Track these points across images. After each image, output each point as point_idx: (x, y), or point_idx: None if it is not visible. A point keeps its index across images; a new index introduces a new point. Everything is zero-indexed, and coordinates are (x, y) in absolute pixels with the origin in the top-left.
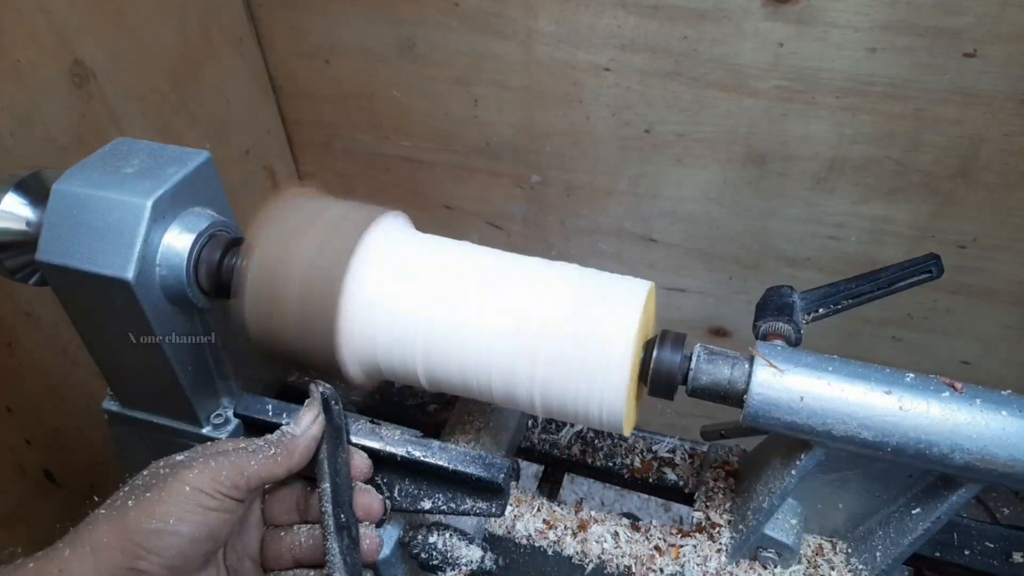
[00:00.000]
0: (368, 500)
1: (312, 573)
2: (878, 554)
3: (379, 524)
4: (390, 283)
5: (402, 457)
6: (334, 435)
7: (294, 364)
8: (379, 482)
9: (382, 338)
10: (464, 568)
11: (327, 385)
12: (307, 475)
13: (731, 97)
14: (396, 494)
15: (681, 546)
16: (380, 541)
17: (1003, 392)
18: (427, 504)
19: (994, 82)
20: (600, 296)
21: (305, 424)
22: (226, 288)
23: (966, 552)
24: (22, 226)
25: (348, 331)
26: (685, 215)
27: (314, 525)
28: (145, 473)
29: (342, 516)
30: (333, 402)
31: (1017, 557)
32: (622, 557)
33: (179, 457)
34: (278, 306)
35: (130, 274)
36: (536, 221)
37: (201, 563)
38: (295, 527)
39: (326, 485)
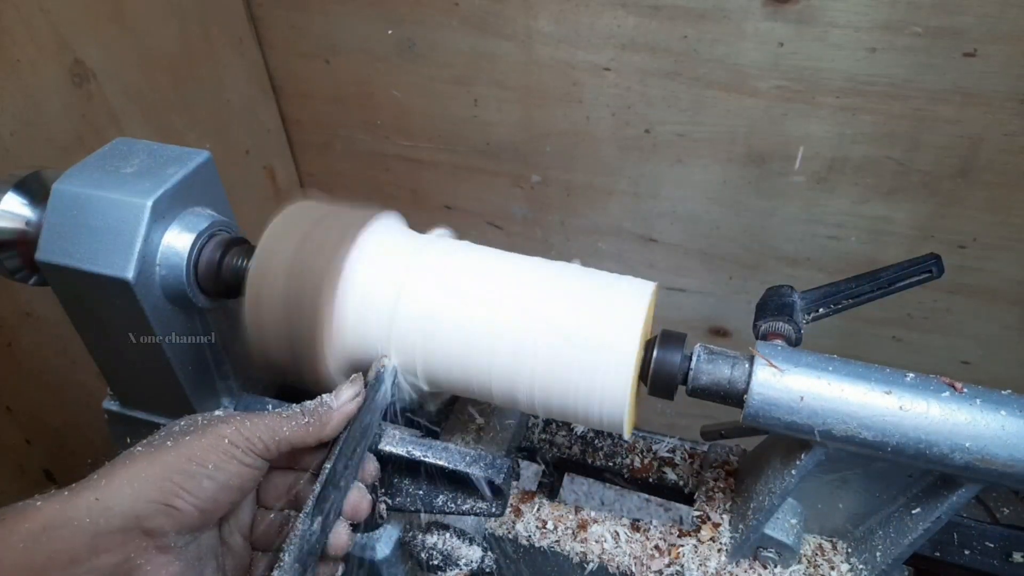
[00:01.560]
0: (358, 498)
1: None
2: (878, 554)
3: (376, 526)
4: (391, 282)
5: (402, 457)
6: (369, 416)
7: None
8: (375, 484)
9: (382, 338)
10: (464, 568)
11: (393, 362)
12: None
13: (731, 97)
14: (396, 494)
15: (681, 546)
16: (350, 541)
17: (1003, 392)
18: (427, 504)
19: (994, 82)
20: (603, 297)
21: (344, 398)
22: (226, 288)
23: (966, 552)
24: (22, 226)
25: (341, 332)
26: (685, 215)
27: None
28: (182, 422)
29: (325, 499)
30: (389, 380)
31: (1017, 557)
32: (622, 557)
33: (217, 412)
34: (272, 311)
35: (130, 274)
36: (536, 221)
37: (226, 510)
38: (285, 512)
39: (329, 464)
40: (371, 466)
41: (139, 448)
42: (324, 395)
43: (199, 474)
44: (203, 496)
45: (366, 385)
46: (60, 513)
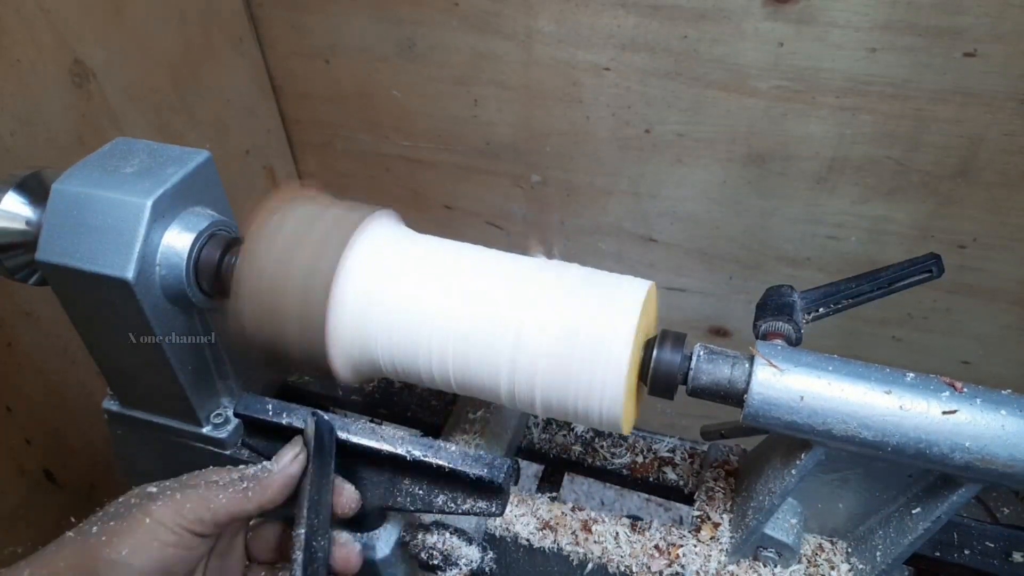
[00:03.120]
0: (346, 553)
1: None
2: (878, 554)
3: (375, 526)
4: (393, 282)
5: (402, 457)
6: (320, 474)
7: (285, 365)
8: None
9: (384, 337)
10: (464, 568)
11: (324, 417)
12: (287, 515)
13: (731, 97)
14: (396, 494)
15: (681, 546)
16: None
17: (1003, 392)
18: (427, 504)
19: (994, 82)
20: (599, 296)
21: (285, 461)
22: (226, 288)
23: (966, 552)
24: (22, 226)
25: (340, 329)
26: (685, 215)
27: None
28: (120, 500)
29: (311, 568)
30: (326, 435)
31: (1017, 557)
32: (622, 557)
33: (151, 488)
34: (269, 306)
35: (130, 274)
36: (536, 221)
37: None
38: (276, 565)
39: (301, 531)
40: (345, 497)
41: (70, 534)
42: (265, 461)
43: (115, 562)
44: None
45: (305, 444)
46: None
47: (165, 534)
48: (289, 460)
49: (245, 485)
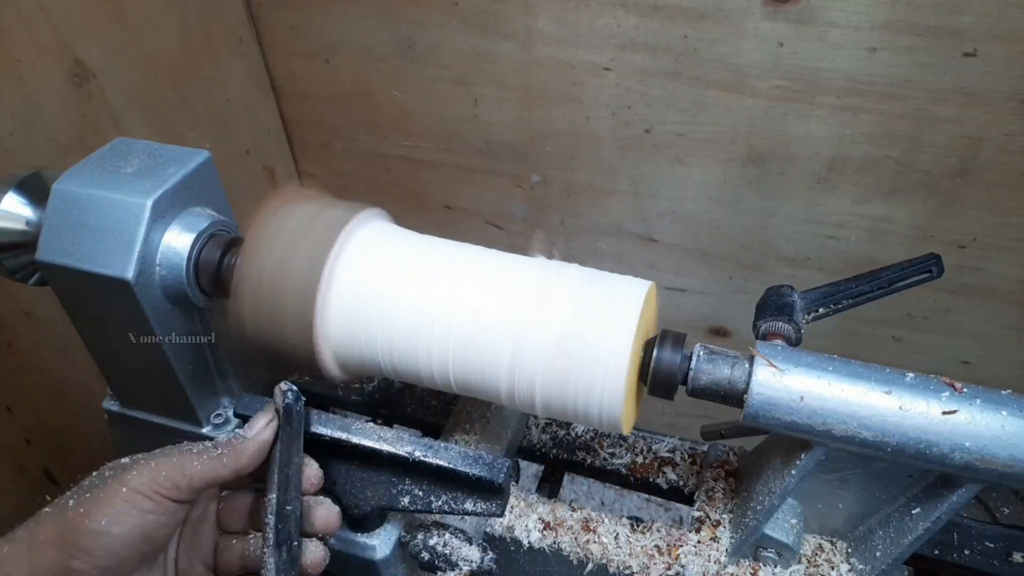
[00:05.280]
0: (325, 513)
1: None
2: (878, 554)
3: (375, 526)
4: (394, 282)
5: (402, 457)
6: (290, 441)
7: (285, 365)
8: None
9: (383, 337)
10: (464, 568)
11: (293, 388)
12: (260, 485)
13: (731, 97)
14: (396, 494)
15: (681, 546)
16: (325, 556)
17: (1003, 392)
18: (427, 504)
19: (994, 82)
20: (599, 296)
21: (258, 427)
22: (226, 288)
23: (966, 552)
24: (22, 226)
25: (333, 328)
26: (685, 215)
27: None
28: (94, 474)
29: (283, 529)
30: (296, 407)
31: (1017, 557)
32: (622, 557)
33: (124, 460)
34: (268, 306)
35: (130, 274)
36: (536, 221)
37: (136, 564)
38: (247, 535)
39: (272, 496)
40: (309, 471)
41: (47, 509)
42: (238, 429)
43: (96, 531)
44: (100, 554)
45: (277, 412)
46: None
47: (143, 501)
48: (262, 426)
49: (220, 451)
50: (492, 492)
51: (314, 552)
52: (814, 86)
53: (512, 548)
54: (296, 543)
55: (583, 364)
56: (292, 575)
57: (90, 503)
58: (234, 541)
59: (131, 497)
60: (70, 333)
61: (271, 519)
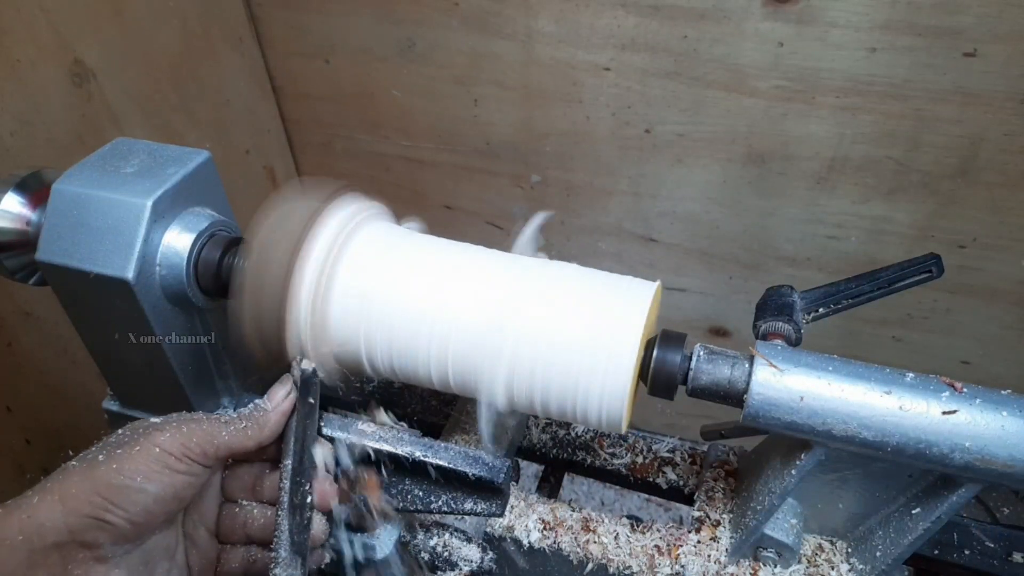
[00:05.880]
0: (324, 486)
1: (260, 552)
2: (878, 554)
3: (375, 526)
4: (393, 282)
5: (402, 457)
6: (307, 413)
7: (284, 365)
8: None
9: (383, 337)
10: (464, 568)
11: (309, 362)
12: (270, 457)
13: (731, 97)
14: (396, 494)
15: (681, 546)
16: (326, 528)
17: (1003, 392)
18: (427, 504)
19: (994, 82)
20: (604, 297)
21: (278, 399)
22: (226, 288)
23: (966, 552)
24: (22, 226)
25: (333, 328)
26: (685, 215)
27: (266, 505)
28: (120, 432)
29: (299, 495)
30: (312, 380)
31: (1017, 557)
32: (622, 557)
33: (153, 419)
34: (266, 306)
35: (130, 274)
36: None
37: (163, 521)
38: (250, 504)
39: (288, 461)
40: (325, 451)
41: (74, 463)
42: (258, 400)
43: (130, 487)
44: (134, 509)
45: (295, 383)
46: None
47: (175, 463)
48: (282, 397)
49: (244, 424)
50: (492, 492)
51: (317, 524)
52: (814, 86)
53: (512, 548)
54: (310, 511)
55: (587, 368)
56: (304, 538)
57: (122, 459)
58: (236, 509)
59: (164, 458)
60: (70, 333)
61: (287, 483)
